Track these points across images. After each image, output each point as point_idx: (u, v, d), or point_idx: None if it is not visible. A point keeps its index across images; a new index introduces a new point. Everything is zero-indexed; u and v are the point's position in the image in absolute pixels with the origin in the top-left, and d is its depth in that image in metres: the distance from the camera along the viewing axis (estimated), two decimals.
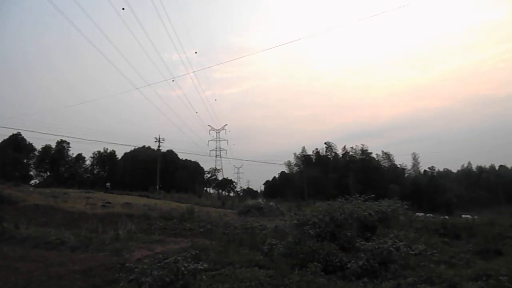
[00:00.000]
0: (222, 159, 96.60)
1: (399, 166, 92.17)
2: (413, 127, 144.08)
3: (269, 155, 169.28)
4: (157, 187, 62.73)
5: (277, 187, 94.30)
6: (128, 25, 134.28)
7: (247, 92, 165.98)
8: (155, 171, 66.75)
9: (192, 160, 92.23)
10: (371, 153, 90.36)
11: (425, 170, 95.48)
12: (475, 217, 24.17)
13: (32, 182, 70.32)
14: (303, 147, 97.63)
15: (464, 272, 7.80)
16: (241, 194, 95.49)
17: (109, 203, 29.33)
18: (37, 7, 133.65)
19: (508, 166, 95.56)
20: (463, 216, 29.34)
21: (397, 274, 8.17)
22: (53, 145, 77.40)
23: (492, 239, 12.83)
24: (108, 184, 57.26)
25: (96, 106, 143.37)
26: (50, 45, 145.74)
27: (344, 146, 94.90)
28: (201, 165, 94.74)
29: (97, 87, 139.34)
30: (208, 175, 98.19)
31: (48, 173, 78.13)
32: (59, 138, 76.39)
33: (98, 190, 47.42)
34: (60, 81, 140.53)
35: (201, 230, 19.06)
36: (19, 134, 71.03)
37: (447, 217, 25.44)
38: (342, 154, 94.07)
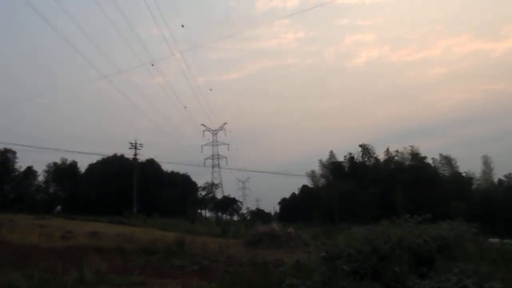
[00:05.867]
0: (222, 170, 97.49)
1: (464, 174, 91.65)
2: (484, 120, 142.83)
3: (285, 163, 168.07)
4: (134, 210, 63.17)
5: (297, 207, 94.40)
6: None
7: (254, 77, 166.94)
8: (131, 188, 67.25)
9: (181, 172, 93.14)
10: (425, 157, 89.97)
11: (500, 179, 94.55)
12: None
13: None
14: (331, 152, 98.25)
15: None
16: (248, 217, 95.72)
17: (70, 232, 29.55)
18: None
19: None
20: None
21: None
22: None
23: None
24: (58, 207, 56.96)
25: (50, 103, 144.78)
26: None
27: (388, 149, 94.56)
28: (193, 178, 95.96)
29: (49, 76, 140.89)
30: (203, 193, 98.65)
31: None
32: (1, 147, 77.29)
33: (55, 215, 47.90)
34: None
35: (195, 267, 19.09)
36: None
37: None
38: (385, 160, 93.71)
